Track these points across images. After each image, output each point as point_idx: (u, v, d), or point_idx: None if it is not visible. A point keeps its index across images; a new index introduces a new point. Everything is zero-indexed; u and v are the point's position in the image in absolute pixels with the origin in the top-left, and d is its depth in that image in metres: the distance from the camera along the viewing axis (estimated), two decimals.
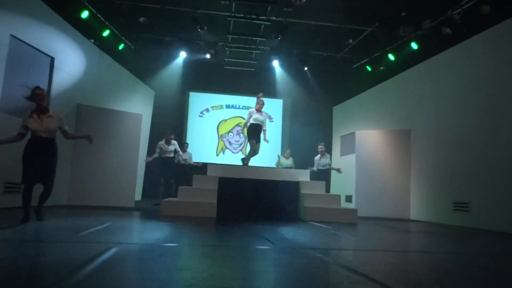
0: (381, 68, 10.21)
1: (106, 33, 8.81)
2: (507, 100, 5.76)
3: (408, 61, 8.78)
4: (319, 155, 8.58)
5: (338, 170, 8.49)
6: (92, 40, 8.24)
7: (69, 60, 6.95)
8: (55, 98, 6.38)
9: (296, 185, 6.85)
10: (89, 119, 7.27)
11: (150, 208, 7.33)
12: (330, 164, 8.52)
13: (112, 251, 2.68)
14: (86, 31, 7.79)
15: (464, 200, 6.42)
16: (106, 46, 8.77)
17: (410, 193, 8.07)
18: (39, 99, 4.05)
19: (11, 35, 5.45)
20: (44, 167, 4.03)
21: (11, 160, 5.04)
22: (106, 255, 2.48)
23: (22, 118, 4.08)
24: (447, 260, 3.13)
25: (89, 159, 7.16)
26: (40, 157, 4.00)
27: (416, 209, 7.86)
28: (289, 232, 4.60)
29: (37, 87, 4.12)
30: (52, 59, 6.44)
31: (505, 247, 4.17)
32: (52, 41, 6.43)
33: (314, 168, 8.48)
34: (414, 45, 8.67)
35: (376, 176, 8.20)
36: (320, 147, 8.68)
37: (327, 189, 8.07)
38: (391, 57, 9.50)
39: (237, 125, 12.45)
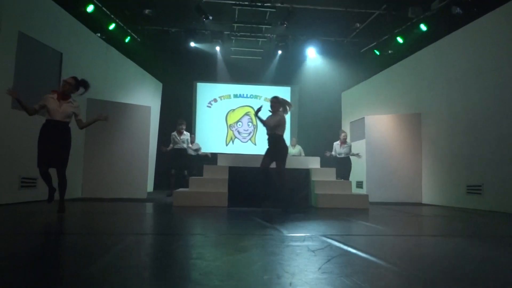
0: (389, 51, 10.05)
1: (112, 26, 8.82)
2: None
3: (417, 43, 8.62)
4: (338, 142, 8.43)
5: (358, 155, 8.38)
6: (99, 34, 8.27)
7: (77, 55, 6.99)
8: None
9: (306, 172, 6.85)
10: (99, 112, 7.29)
11: (163, 199, 7.43)
12: (348, 154, 8.37)
13: (126, 241, 2.74)
14: (92, 25, 7.81)
15: (477, 182, 6.35)
16: (113, 40, 8.79)
17: (421, 177, 8.02)
18: (64, 85, 4.20)
19: (20, 32, 5.50)
20: (57, 150, 4.12)
21: (26, 155, 5.14)
22: (121, 246, 2.53)
23: (42, 99, 4.17)
24: (461, 244, 3.12)
25: (101, 152, 7.26)
26: (54, 140, 4.10)
27: (428, 193, 7.81)
28: (301, 219, 4.62)
29: (72, 77, 4.33)
30: (61, 54, 6.49)
31: None
32: (59, 36, 6.47)
33: (333, 153, 8.38)
34: (423, 27, 8.50)
35: (387, 161, 8.14)
36: (343, 134, 8.44)
37: (346, 177, 8.03)
38: (399, 40, 9.33)
39: (246, 114, 12.43)
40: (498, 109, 6.00)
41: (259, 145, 12.17)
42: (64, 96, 4.20)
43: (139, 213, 4.92)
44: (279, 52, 11.22)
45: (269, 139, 5.55)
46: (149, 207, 5.90)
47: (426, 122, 8.00)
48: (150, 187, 9.81)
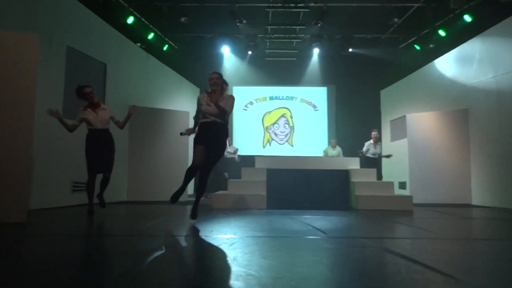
0: (431, 45, 9.61)
1: (150, 36, 9.17)
2: None
3: (461, 35, 8.17)
4: (371, 141, 8.22)
5: (388, 156, 8.11)
6: (139, 44, 8.63)
7: (119, 65, 7.34)
8: (110, 102, 6.78)
9: (345, 173, 6.72)
10: (141, 119, 7.65)
11: (203, 201, 7.58)
12: (380, 154, 8.14)
13: (169, 243, 2.82)
14: (133, 36, 8.18)
15: None
16: (152, 48, 9.15)
17: (470, 177, 7.57)
18: (90, 96, 4.42)
19: (68, 46, 5.87)
20: (104, 157, 4.39)
21: (77, 162, 5.47)
22: (164, 247, 2.62)
23: (78, 113, 4.44)
24: None
25: (144, 157, 7.56)
26: (99, 148, 4.37)
27: (479, 194, 7.36)
28: (341, 222, 4.53)
29: (85, 86, 4.48)
30: (105, 65, 6.85)
31: None
32: (103, 48, 6.84)
33: (364, 150, 8.17)
34: (467, 18, 8.05)
35: (432, 160, 7.78)
36: (374, 133, 8.24)
37: (379, 177, 7.77)
38: (441, 33, 8.90)
39: (282, 115, 12.41)
40: None
41: (296, 147, 12.10)
42: (95, 105, 4.46)
43: (180, 215, 5.06)
44: (315, 52, 11.10)
45: (213, 127, 4.01)
46: (189, 209, 6.04)
47: (474, 118, 7.55)
48: (190, 189, 10.07)
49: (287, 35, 10.37)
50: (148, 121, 7.69)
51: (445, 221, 4.69)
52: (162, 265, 2.17)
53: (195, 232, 3.85)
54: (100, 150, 4.35)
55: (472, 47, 7.64)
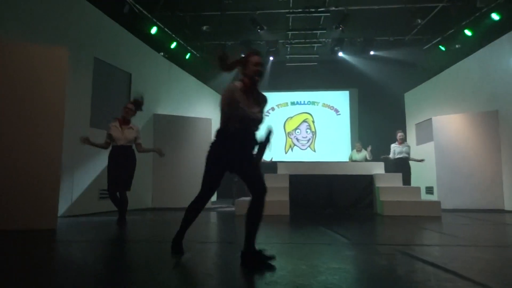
0: (456, 46, 9.32)
1: (173, 45, 9.37)
2: None
3: (488, 34, 7.89)
4: (396, 143, 8.04)
5: (421, 161, 7.86)
6: (162, 53, 8.84)
7: (143, 74, 7.53)
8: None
9: (370, 178, 6.59)
10: (165, 127, 7.81)
11: (226, 208, 7.62)
12: (408, 153, 7.92)
13: (194, 250, 2.85)
14: (156, 46, 8.38)
15: None
16: (174, 57, 9.34)
17: (502, 180, 7.25)
18: (126, 112, 4.57)
19: (95, 57, 6.09)
20: (123, 174, 4.47)
21: (104, 170, 5.63)
22: (188, 254, 2.64)
23: (108, 128, 4.59)
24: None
25: (167, 164, 7.68)
26: (121, 164, 4.46)
27: None
28: (366, 228, 4.44)
29: (131, 102, 4.69)
30: (130, 74, 7.05)
31: None
32: (128, 58, 7.04)
33: (390, 156, 7.99)
34: (495, 16, 7.77)
35: (460, 164, 7.51)
36: (400, 134, 8.06)
37: (407, 181, 7.55)
38: (468, 32, 8.62)
39: (304, 121, 12.34)
40: None
41: (319, 152, 11.98)
42: (125, 121, 4.58)
43: (204, 222, 5.10)
44: (338, 55, 10.99)
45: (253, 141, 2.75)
46: (213, 216, 6.09)
47: (505, 120, 7.25)
48: (213, 196, 10.14)
49: (308, 40, 10.34)
50: (171, 128, 7.83)
51: (476, 227, 4.51)
52: (184, 272, 2.19)
53: (219, 238, 3.87)
54: (120, 167, 4.43)
55: (501, 46, 7.37)
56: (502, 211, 6.81)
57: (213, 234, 4.20)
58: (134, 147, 4.68)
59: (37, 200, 3.89)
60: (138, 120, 6.48)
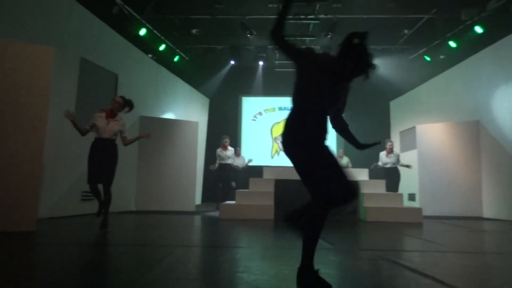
0: (441, 57, 9.55)
1: (162, 47, 9.32)
2: None
3: (472, 46, 8.11)
4: (385, 152, 8.17)
5: (408, 166, 8.01)
6: (150, 55, 8.78)
7: (130, 75, 7.47)
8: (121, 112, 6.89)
9: (354, 184, 6.65)
10: (151, 129, 7.71)
11: (210, 211, 7.58)
12: (395, 163, 8.05)
13: (176, 254, 2.83)
14: (144, 47, 8.32)
15: None
16: (163, 60, 9.29)
17: (481, 189, 7.43)
18: (113, 104, 4.48)
19: (82, 57, 6.01)
20: (105, 167, 4.34)
21: (87, 171, 5.54)
22: (170, 258, 2.62)
23: (92, 117, 4.45)
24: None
25: (152, 167, 7.61)
26: (102, 157, 4.33)
27: (490, 207, 7.21)
28: (349, 233, 4.49)
29: (119, 96, 4.62)
30: (116, 75, 6.98)
31: None
32: (115, 59, 6.97)
33: (380, 163, 8.11)
34: (478, 29, 7.99)
35: (442, 172, 7.67)
36: (389, 144, 8.19)
37: (395, 188, 7.69)
38: (452, 44, 8.84)
39: None
40: None
41: None
42: (112, 114, 4.48)
43: (187, 226, 5.06)
44: None
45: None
46: (197, 219, 6.05)
47: (485, 130, 7.45)
48: (198, 200, 10.08)
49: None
50: (157, 131, 7.76)
51: (455, 234, 4.60)
52: (166, 277, 2.17)
53: (202, 242, 3.85)
54: (101, 160, 4.32)
55: (483, 58, 7.58)
56: (481, 219, 6.97)
57: (196, 238, 4.17)
58: (117, 142, 4.57)
59: (16, 201, 3.79)
60: (125, 122, 6.41)
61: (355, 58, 2.08)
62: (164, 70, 9.03)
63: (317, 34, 9.57)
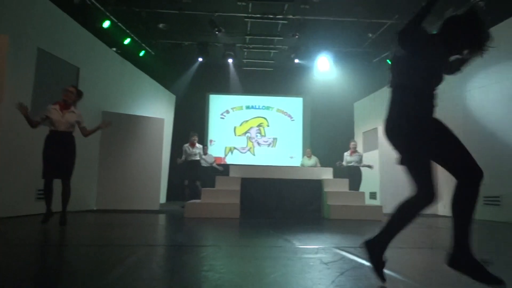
0: None
1: (127, 41, 9.04)
2: None
3: None
4: (349, 151, 8.41)
5: (369, 167, 8.30)
6: (114, 49, 8.49)
7: (93, 69, 7.18)
8: (81, 106, 6.59)
9: (319, 183, 6.81)
10: (114, 125, 7.45)
11: (176, 210, 7.47)
12: (357, 162, 8.33)
13: (139, 253, 2.76)
14: (108, 40, 8.03)
15: (495, 193, 6.19)
16: (128, 54, 9.01)
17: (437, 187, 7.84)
18: (66, 95, 4.29)
19: (39, 48, 5.69)
20: (62, 161, 4.16)
21: (41, 167, 5.27)
22: (133, 258, 2.55)
23: (45, 110, 4.24)
24: (481, 257, 3.03)
25: (115, 164, 7.37)
26: (58, 151, 4.14)
27: (445, 204, 7.63)
28: (313, 231, 4.58)
29: (71, 86, 4.43)
30: (77, 68, 6.68)
31: None
32: (77, 51, 6.67)
33: (344, 163, 8.34)
34: None
35: (401, 171, 7.95)
36: (352, 144, 8.45)
37: (357, 187, 7.95)
38: None
39: (259, 125, 12.46)
40: None
41: (258, 156, 12.12)
42: (66, 105, 4.29)
43: (151, 225, 4.96)
44: (293, 62, 11.25)
45: None
46: (161, 218, 5.94)
47: None
48: (163, 198, 9.89)
49: (265, 46, 10.50)
50: (121, 127, 7.53)
51: (412, 230, 4.83)
52: (129, 277, 2.11)
53: (167, 241, 3.78)
54: (59, 154, 4.12)
55: None
56: (436, 216, 7.37)
57: (161, 237, 4.10)
58: (75, 134, 4.38)
59: None
60: (86, 117, 6.16)
61: (473, 35, 2.06)
62: (129, 65, 8.76)
63: (285, 34, 9.68)
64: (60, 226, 4.10)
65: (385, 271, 2.18)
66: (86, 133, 4.45)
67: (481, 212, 6.49)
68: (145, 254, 2.78)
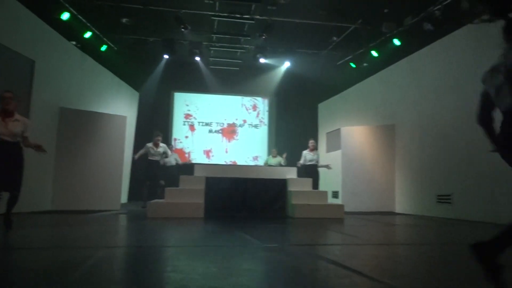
0: (364, 64, 10.33)
1: (87, 34, 8.67)
2: None
3: (391, 57, 8.92)
4: (308, 150, 8.57)
5: (327, 167, 8.51)
6: (74, 42, 8.10)
7: (50, 63, 6.81)
8: (37, 102, 6.25)
9: (283, 182, 6.89)
10: (73, 122, 7.16)
11: (137, 210, 7.27)
12: (317, 161, 8.52)
13: (98, 255, 2.66)
14: (67, 33, 7.65)
15: (447, 192, 6.57)
16: (88, 48, 8.64)
17: (395, 187, 8.22)
18: (5, 102, 3.87)
19: None
20: (10, 173, 3.83)
21: None
22: (92, 260, 2.46)
23: None
24: (432, 251, 3.22)
25: (73, 162, 7.04)
26: (6, 162, 3.81)
27: (401, 203, 8.00)
28: (277, 230, 4.64)
29: (7, 90, 3.96)
30: (33, 62, 6.31)
31: (485, 236, 4.29)
32: (32, 44, 6.30)
33: (301, 162, 8.48)
34: (396, 41, 8.81)
35: (362, 171, 8.30)
36: (311, 142, 8.62)
37: (316, 186, 8.10)
38: (374, 53, 9.62)
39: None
40: (467, 122, 6.26)
41: (230, 153, 12.15)
42: (7, 113, 3.89)
43: (112, 225, 4.79)
44: (259, 62, 11.30)
45: None
46: (122, 218, 5.76)
47: (399, 133, 8.25)
48: (124, 198, 9.59)
49: (231, 45, 10.47)
50: (80, 124, 7.21)
51: (371, 228, 5.03)
52: (88, 281, 2.03)
53: (128, 242, 3.67)
54: (5, 166, 3.79)
55: (400, 68, 8.39)
56: (393, 213, 7.71)
57: (121, 238, 3.97)
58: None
59: None
60: (42, 113, 5.88)
61: None
62: (89, 60, 8.40)
63: (252, 34, 9.71)
64: (6, 229, 3.81)
65: (344, 267, 2.24)
66: (26, 143, 4.04)
67: (434, 209, 6.87)
68: (105, 256, 2.69)
